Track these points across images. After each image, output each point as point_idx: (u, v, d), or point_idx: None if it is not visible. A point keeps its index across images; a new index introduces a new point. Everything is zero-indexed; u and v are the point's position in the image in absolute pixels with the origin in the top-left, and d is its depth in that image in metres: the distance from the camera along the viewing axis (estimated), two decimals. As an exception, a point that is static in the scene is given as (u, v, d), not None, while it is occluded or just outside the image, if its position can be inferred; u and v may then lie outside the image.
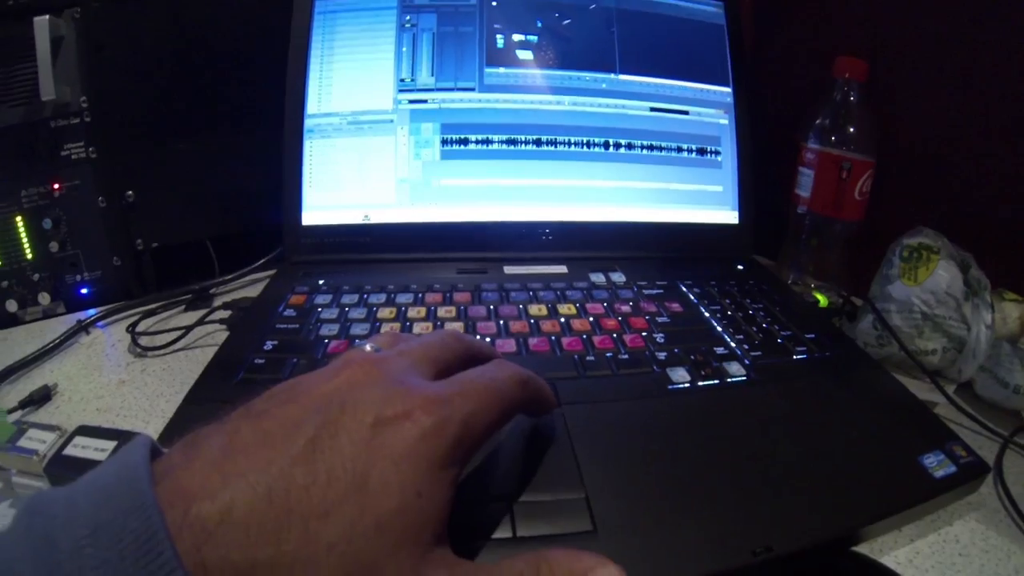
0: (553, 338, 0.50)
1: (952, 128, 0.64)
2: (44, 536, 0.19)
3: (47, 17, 0.61)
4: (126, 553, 0.18)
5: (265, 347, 0.48)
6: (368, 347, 0.30)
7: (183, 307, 0.66)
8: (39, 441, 0.43)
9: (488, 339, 0.49)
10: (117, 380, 0.54)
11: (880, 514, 0.36)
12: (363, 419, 0.23)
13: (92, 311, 0.65)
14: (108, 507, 0.20)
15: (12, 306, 0.65)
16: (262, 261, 0.70)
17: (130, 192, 0.68)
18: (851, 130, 0.64)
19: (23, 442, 0.42)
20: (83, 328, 0.61)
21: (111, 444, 0.41)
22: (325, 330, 0.51)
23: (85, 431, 0.43)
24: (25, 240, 0.65)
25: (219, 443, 0.22)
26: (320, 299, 0.56)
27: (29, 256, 0.65)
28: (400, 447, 0.23)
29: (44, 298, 0.66)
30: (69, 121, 0.66)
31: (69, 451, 0.41)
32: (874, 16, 0.69)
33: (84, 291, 0.68)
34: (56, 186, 0.66)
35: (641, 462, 0.37)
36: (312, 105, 0.65)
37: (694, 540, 0.32)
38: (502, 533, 0.31)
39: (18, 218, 0.64)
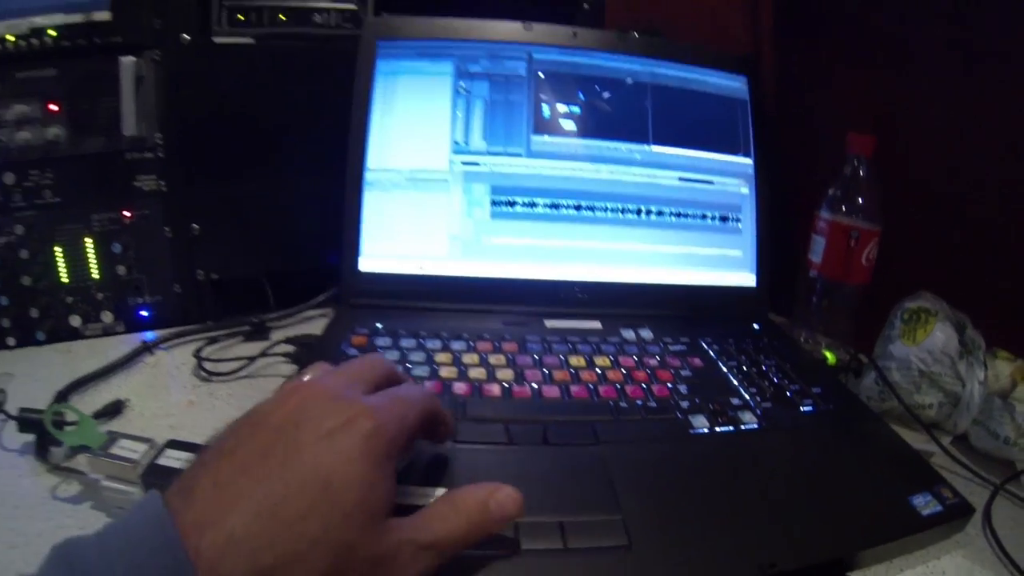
0: (591, 386, 0.55)
1: (953, 201, 0.70)
2: None
3: (133, 58, 0.66)
4: None
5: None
6: (306, 377, 0.36)
7: (242, 337, 0.70)
8: (131, 450, 0.45)
9: (535, 385, 0.55)
10: (186, 400, 0.58)
11: (870, 542, 0.42)
12: (317, 432, 0.29)
13: (151, 333, 0.70)
14: (140, 548, 0.25)
15: (76, 321, 0.69)
16: (318, 299, 0.74)
17: (196, 225, 0.73)
18: (859, 201, 0.70)
19: (115, 450, 0.45)
20: (148, 349, 0.66)
21: (201, 458, 0.46)
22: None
23: (175, 444, 0.46)
24: (93, 261, 0.69)
25: (209, 482, 0.27)
26: (380, 341, 0.60)
27: (96, 276, 0.70)
28: (351, 449, 0.29)
29: (107, 316, 0.71)
30: (144, 155, 0.70)
31: (162, 461, 0.44)
32: (882, 98, 0.76)
33: (144, 313, 0.72)
34: (127, 214, 0.70)
35: (668, 492, 0.44)
36: (372, 160, 0.70)
37: (711, 556, 0.39)
38: (554, 544, 0.37)
39: (88, 240, 0.69)
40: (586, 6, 0.91)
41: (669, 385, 0.57)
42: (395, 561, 0.29)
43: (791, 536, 0.41)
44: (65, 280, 0.69)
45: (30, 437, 0.49)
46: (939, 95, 0.71)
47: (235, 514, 0.26)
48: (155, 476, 0.43)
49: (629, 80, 0.75)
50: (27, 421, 0.49)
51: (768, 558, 0.38)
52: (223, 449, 0.29)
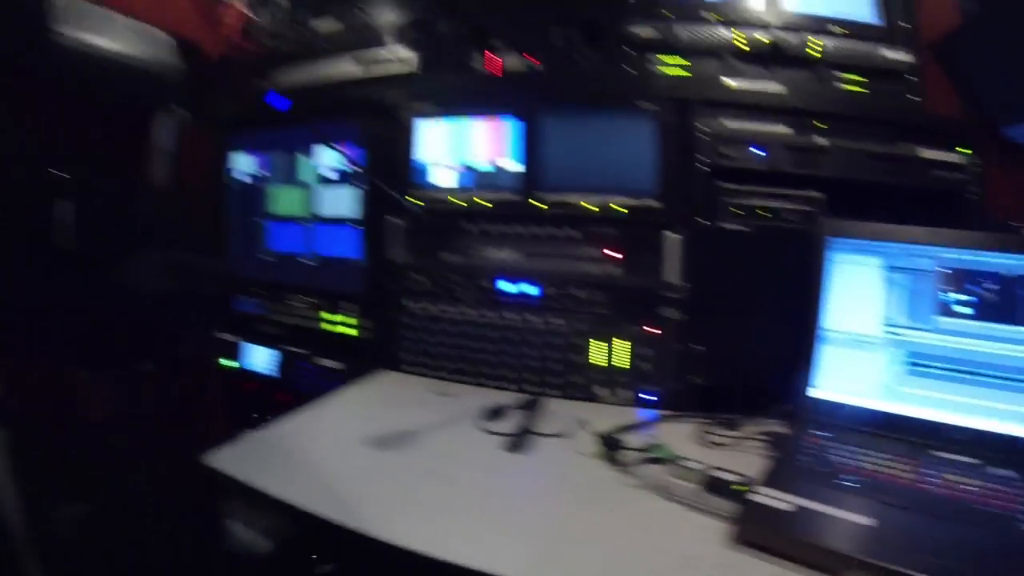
0: (965, 494, 0.83)
1: None
2: None
3: (674, 234, 1.12)
4: None
5: (800, 458, 0.92)
6: None
7: (718, 423, 1.06)
8: (690, 463, 0.87)
9: (928, 486, 0.85)
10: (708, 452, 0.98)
11: None
12: None
13: (651, 412, 1.13)
14: None
15: (600, 391, 1.19)
16: (780, 410, 1.05)
17: (699, 347, 1.14)
18: None
19: (680, 463, 0.87)
20: (657, 422, 1.10)
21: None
22: (835, 459, 0.91)
23: (718, 469, 0.85)
24: (621, 356, 1.18)
25: None
26: (828, 443, 0.96)
27: (622, 366, 1.18)
28: None
29: (622, 393, 1.19)
30: (670, 294, 1.14)
31: (713, 474, 0.84)
32: None
33: (647, 397, 1.17)
34: (651, 330, 1.15)
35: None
36: (824, 321, 1.05)
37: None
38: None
39: (619, 340, 1.18)
40: (973, 197, 1.17)
41: (1014, 505, 0.80)
42: None
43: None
44: (599, 363, 1.19)
45: (597, 449, 0.95)
46: None
47: None
48: (708, 483, 0.84)
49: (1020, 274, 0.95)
50: (607, 439, 0.96)
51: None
52: None
